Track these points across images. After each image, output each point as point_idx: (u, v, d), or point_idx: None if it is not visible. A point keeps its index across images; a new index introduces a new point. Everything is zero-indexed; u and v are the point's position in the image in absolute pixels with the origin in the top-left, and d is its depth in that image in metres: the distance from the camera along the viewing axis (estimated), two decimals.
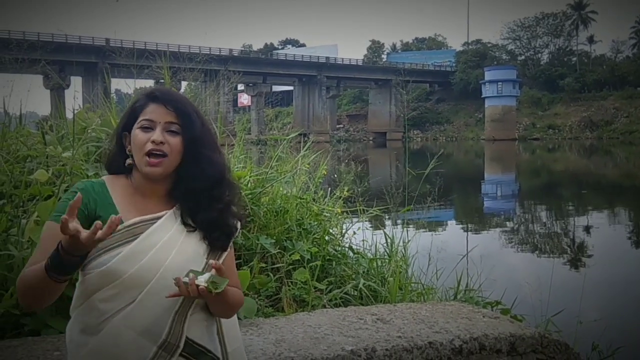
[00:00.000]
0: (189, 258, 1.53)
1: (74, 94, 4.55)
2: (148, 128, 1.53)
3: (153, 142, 1.50)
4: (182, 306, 1.51)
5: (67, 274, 1.36)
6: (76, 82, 56.19)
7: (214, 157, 1.58)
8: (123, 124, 1.60)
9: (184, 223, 1.57)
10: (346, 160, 5.34)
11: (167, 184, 1.58)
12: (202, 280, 1.42)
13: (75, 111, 3.96)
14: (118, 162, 1.60)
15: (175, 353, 1.50)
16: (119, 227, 1.47)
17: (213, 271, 1.46)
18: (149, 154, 1.51)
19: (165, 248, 1.51)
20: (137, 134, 1.53)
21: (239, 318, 2.69)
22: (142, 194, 1.57)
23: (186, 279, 1.42)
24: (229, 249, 1.64)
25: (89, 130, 3.44)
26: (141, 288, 1.46)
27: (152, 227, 1.52)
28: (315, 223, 3.86)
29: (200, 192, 1.57)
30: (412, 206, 4.52)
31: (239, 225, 1.66)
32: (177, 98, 1.57)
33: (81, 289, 1.51)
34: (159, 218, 1.54)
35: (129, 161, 1.57)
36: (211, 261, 1.49)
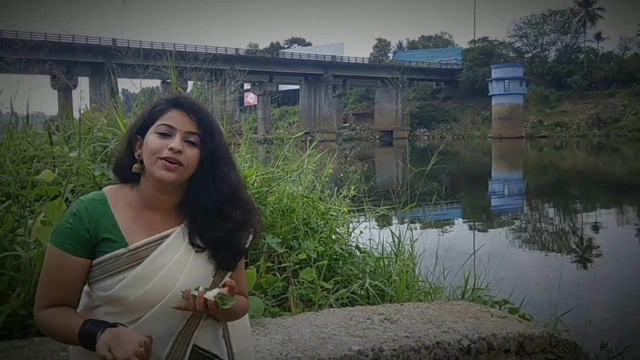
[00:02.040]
0: (197, 279, 1.48)
1: (80, 94, 4.57)
2: (166, 134, 1.45)
3: (171, 149, 1.42)
4: (185, 328, 1.48)
5: None
6: (83, 82, 56.57)
7: (229, 174, 1.50)
8: (138, 127, 1.51)
9: (192, 243, 1.50)
10: (353, 159, 5.33)
11: (177, 195, 1.50)
12: (210, 295, 1.40)
13: (82, 111, 3.97)
14: (127, 166, 1.52)
15: None
16: (123, 250, 1.43)
17: (225, 289, 1.43)
18: (164, 159, 1.43)
19: (173, 271, 1.45)
20: (152, 138, 1.45)
21: None
22: (150, 206, 1.49)
23: (195, 292, 1.40)
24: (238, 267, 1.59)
25: (95, 130, 3.44)
26: (147, 310, 1.43)
27: (158, 248, 1.46)
28: (322, 222, 3.85)
29: (211, 209, 1.49)
30: (416, 203, 4.50)
31: (249, 239, 1.59)
32: (200, 108, 1.50)
33: (87, 300, 1.49)
34: (166, 237, 1.48)
35: (136, 167, 1.49)
36: (227, 279, 1.46)
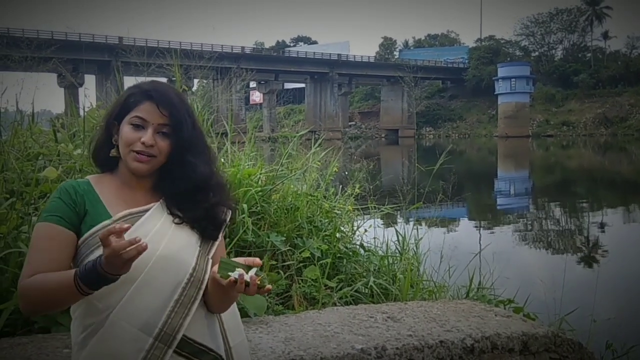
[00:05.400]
0: (182, 246, 1.52)
1: (84, 92, 4.58)
2: (139, 126, 1.50)
3: (143, 143, 1.48)
4: (185, 295, 1.48)
5: (99, 288, 1.34)
6: (90, 80, 56.77)
7: (198, 164, 1.55)
8: (115, 114, 1.56)
9: (172, 214, 1.56)
10: (358, 158, 5.32)
11: (153, 178, 1.57)
12: (250, 275, 1.39)
13: (87, 109, 3.98)
14: (105, 151, 1.58)
15: (173, 344, 1.46)
16: (107, 221, 1.47)
17: (253, 269, 1.41)
18: (137, 152, 1.49)
19: (155, 239, 1.48)
20: (127, 130, 1.51)
21: (248, 316, 2.69)
22: (129, 186, 1.56)
23: (235, 274, 1.38)
24: (220, 239, 1.62)
25: (98, 128, 3.44)
26: (132, 283, 1.43)
27: (141, 219, 1.50)
28: (326, 220, 3.85)
29: (183, 194, 1.56)
30: (422, 202, 4.49)
31: (229, 215, 1.64)
32: (171, 101, 1.53)
33: None
34: (147, 210, 1.53)
35: (113, 152, 1.55)
36: (250, 259, 1.43)
